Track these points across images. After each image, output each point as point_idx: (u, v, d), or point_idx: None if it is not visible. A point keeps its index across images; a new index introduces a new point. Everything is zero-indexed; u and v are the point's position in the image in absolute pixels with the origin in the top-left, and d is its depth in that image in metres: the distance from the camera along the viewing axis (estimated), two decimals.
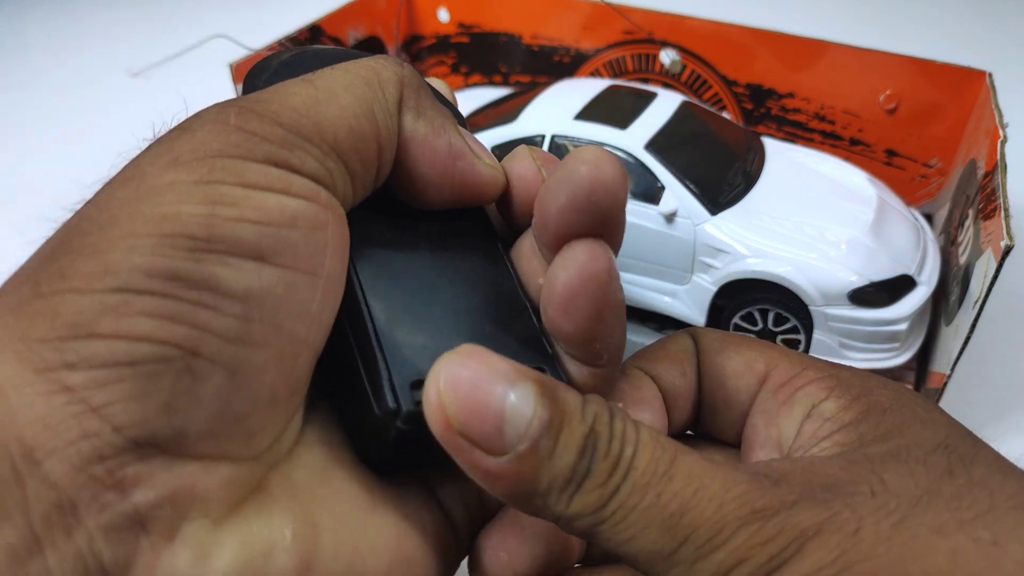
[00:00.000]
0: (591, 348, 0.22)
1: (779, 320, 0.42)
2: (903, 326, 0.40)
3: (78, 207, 0.18)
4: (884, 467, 0.18)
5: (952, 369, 0.37)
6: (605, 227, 0.20)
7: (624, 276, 0.45)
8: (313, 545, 0.19)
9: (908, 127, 0.53)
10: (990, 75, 0.48)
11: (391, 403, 0.21)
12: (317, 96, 0.20)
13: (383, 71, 0.21)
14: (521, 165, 0.23)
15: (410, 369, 0.21)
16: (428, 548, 0.21)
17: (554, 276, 0.20)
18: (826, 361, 0.24)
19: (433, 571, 0.22)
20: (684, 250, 0.43)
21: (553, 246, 0.21)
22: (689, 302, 0.44)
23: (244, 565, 0.18)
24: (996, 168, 0.38)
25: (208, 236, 0.17)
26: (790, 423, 0.22)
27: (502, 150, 0.46)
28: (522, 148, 0.24)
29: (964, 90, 0.50)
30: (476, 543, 0.22)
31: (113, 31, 0.97)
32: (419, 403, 0.19)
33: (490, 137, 0.47)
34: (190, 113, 0.20)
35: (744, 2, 0.64)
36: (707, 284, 0.43)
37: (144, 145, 0.20)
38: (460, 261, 0.25)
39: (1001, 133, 0.40)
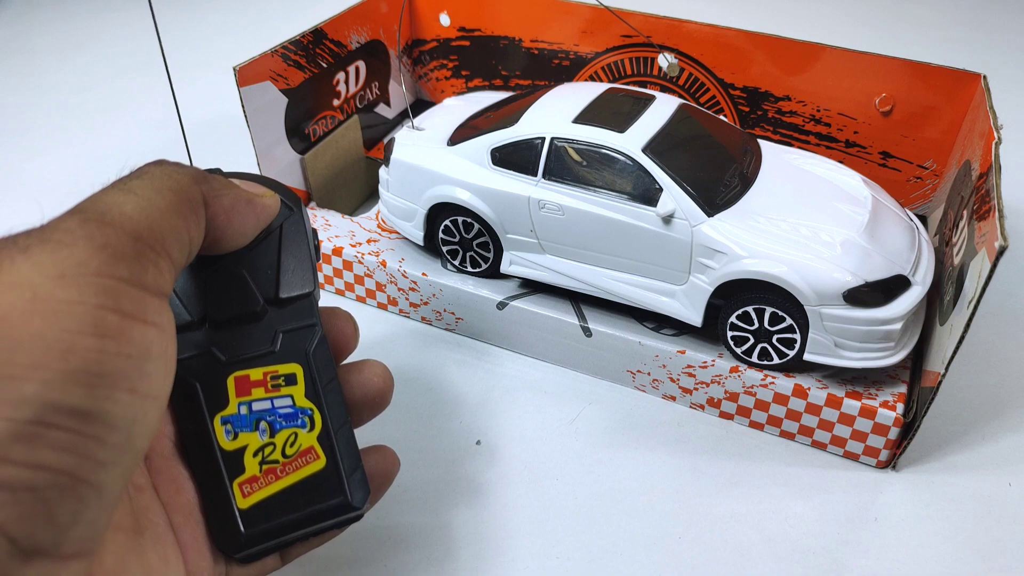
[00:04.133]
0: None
1: (775, 320, 0.42)
2: (897, 325, 0.41)
3: None
4: None
5: (946, 368, 0.38)
6: (381, 404, 0.34)
7: (622, 276, 0.46)
8: None
9: (903, 129, 0.54)
10: (985, 78, 0.49)
11: (355, 501, 0.30)
12: (139, 203, 0.24)
13: (181, 176, 0.26)
14: (344, 322, 0.34)
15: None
16: None
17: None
18: None
19: None
20: (681, 251, 0.43)
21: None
22: (686, 302, 0.44)
23: None
24: (990, 169, 0.39)
25: (101, 372, 0.20)
26: None
27: (503, 152, 0.47)
28: (344, 312, 0.34)
29: (959, 93, 0.51)
30: None
31: (117, 33, 0.98)
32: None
33: (491, 140, 0.47)
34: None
35: (741, 6, 0.65)
36: (704, 284, 0.43)
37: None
38: None
39: (995, 135, 0.40)
